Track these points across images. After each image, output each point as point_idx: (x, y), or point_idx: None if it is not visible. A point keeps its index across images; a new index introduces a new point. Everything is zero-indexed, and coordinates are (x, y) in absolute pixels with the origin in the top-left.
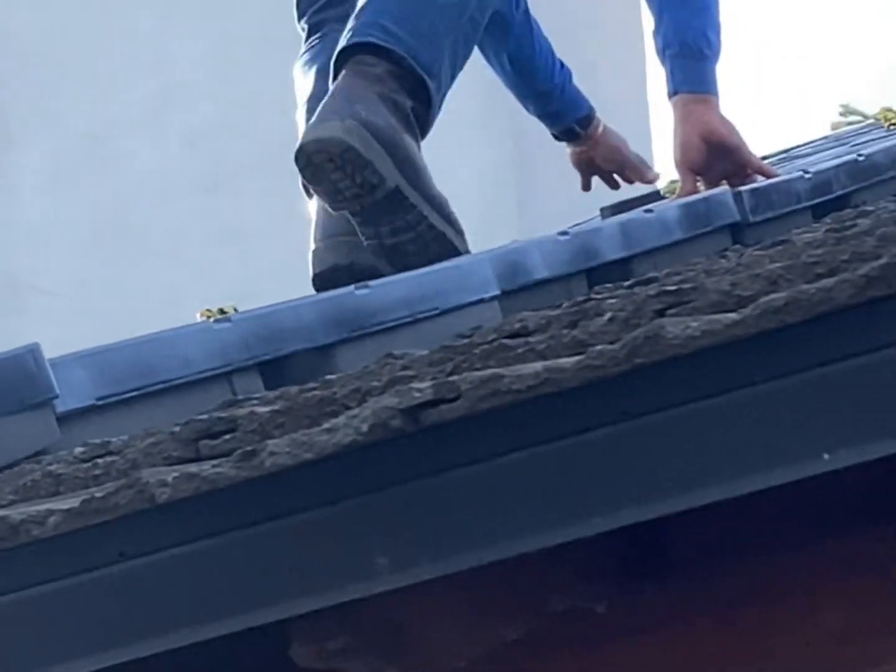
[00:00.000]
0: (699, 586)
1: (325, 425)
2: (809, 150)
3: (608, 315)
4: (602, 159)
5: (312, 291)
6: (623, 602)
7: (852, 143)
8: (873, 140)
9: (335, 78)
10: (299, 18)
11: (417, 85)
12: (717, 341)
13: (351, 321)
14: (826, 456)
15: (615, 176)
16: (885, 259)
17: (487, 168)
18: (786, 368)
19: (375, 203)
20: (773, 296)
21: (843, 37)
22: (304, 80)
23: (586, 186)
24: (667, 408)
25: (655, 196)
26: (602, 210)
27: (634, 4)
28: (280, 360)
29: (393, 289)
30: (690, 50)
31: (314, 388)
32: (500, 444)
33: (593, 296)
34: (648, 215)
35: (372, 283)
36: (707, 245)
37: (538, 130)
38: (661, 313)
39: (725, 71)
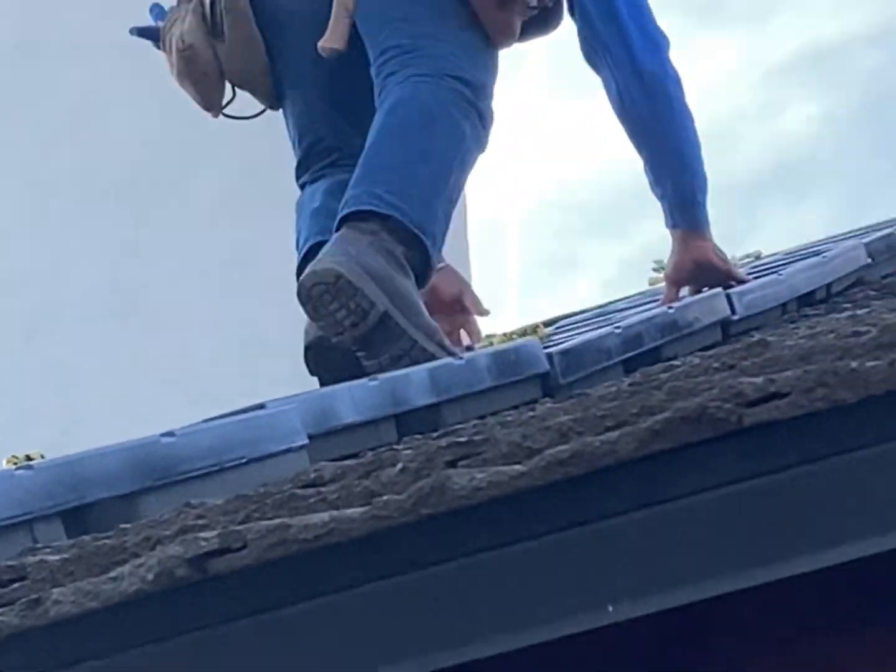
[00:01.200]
0: None
1: (112, 574)
2: (625, 304)
3: (400, 466)
4: (445, 285)
5: (127, 438)
6: None
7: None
8: (686, 294)
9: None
10: (299, 178)
11: (412, 238)
12: (502, 493)
13: (156, 469)
14: (610, 608)
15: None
16: (669, 413)
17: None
18: (571, 520)
19: (370, 330)
20: (559, 448)
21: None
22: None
23: None
24: (454, 558)
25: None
26: None
27: None
28: (83, 508)
29: (200, 437)
30: (684, 196)
31: (107, 537)
32: (288, 593)
33: (394, 446)
34: (458, 362)
35: (178, 430)
36: (517, 394)
37: None
38: (451, 464)
39: None
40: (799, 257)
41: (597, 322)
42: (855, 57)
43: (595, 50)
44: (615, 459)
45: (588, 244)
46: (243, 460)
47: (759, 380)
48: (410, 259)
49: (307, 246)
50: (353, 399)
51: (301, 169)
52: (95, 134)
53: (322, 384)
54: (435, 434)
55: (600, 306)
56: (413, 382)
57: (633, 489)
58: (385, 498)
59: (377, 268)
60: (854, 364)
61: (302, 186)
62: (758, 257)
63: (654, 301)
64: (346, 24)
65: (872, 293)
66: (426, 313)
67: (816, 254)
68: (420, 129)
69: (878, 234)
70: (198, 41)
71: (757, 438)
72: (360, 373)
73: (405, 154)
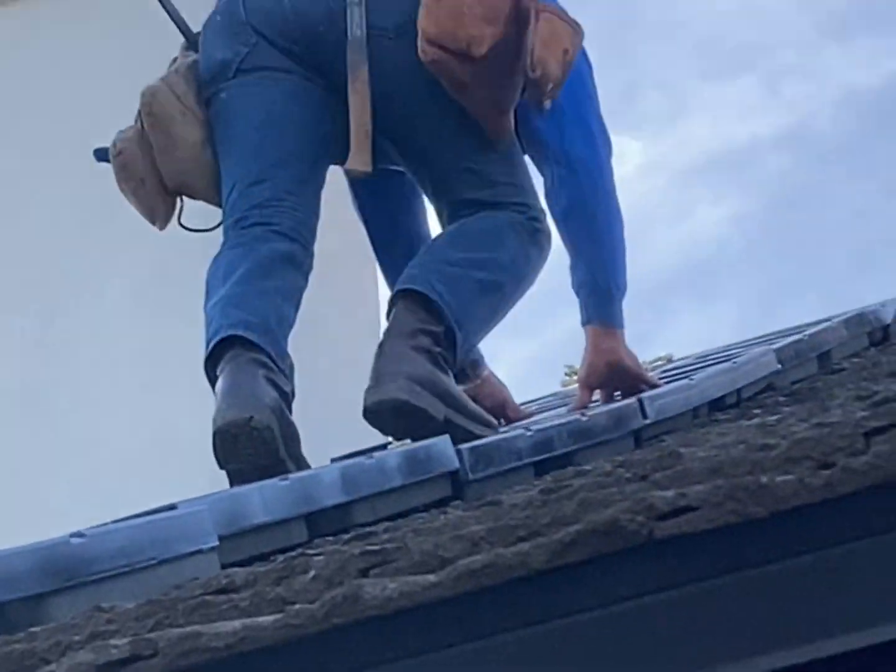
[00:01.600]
0: None
1: None
2: (537, 407)
3: (312, 573)
4: (485, 397)
5: (36, 538)
6: None
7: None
8: (597, 400)
9: (389, 311)
10: (227, 220)
11: (447, 333)
12: (414, 603)
13: (66, 570)
14: None
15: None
16: (581, 525)
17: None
18: (481, 631)
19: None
20: (471, 558)
21: None
22: (220, 280)
23: None
24: (365, 668)
25: (383, 448)
26: (332, 461)
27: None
28: None
29: (110, 538)
30: (602, 291)
31: (17, 640)
32: None
33: (305, 551)
34: (368, 461)
35: (88, 531)
36: (426, 493)
37: None
38: (364, 573)
39: None
40: (710, 362)
41: (511, 426)
42: (763, 159)
43: (535, 146)
44: (527, 570)
45: (497, 342)
46: (154, 561)
47: (670, 493)
48: (445, 356)
49: (218, 338)
50: (264, 499)
51: (233, 214)
52: (4, 229)
53: (231, 474)
54: (346, 536)
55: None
56: (324, 482)
57: (545, 600)
58: (297, 606)
59: (427, 376)
60: (764, 479)
61: (225, 231)
62: (669, 360)
63: (565, 404)
64: (369, 145)
65: (782, 399)
66: (468, 400)
67: (727, 358)
68: (487, 239)
69: (788, 339)
70: (130, 147)
71: (668, 551)
72: (269, 461)
73: (464, 258)
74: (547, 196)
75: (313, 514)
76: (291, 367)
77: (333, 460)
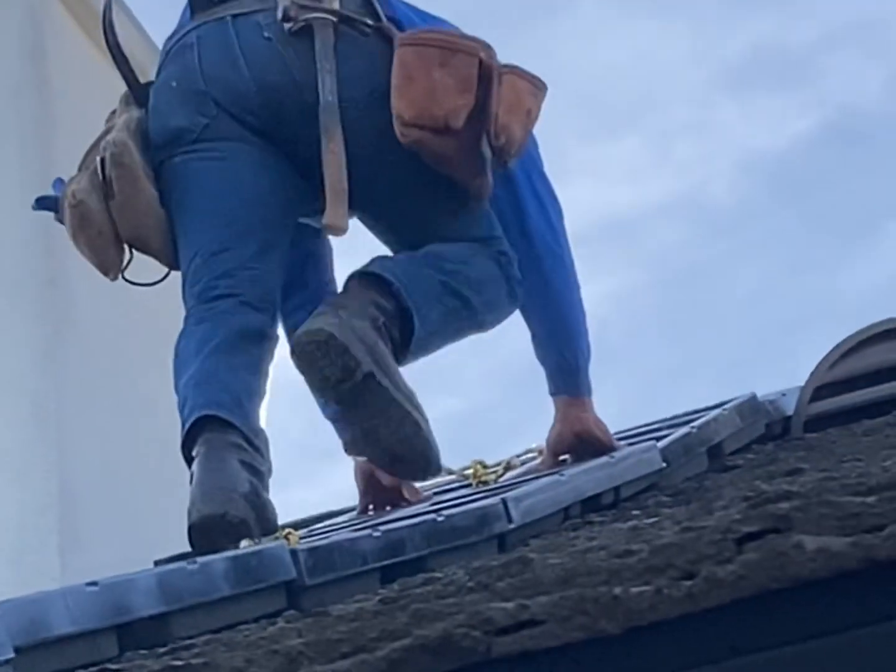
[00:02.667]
0: None
1: None
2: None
3: None
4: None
5: None
6: None
7: (433, 501)
8: (458, 498)
9: (344, 289)
10: (192, 288)
11: (402, 316)
12: None
13: None
14: None
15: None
16: (410, 640)
17: (27, 509)
18: None
19: (354, 387)
20: None
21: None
22: (191, 356)
23: (363, 509)
24: None
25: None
26: (156, 563)
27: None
28: None
29: None
30: (568, 363)
31: None
32: None
33: (108, 666)
34: (191, 567)
35: None
36: (258, 604)
37: (87, 468)
38: None
39: None
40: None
41: (358, 525)
42: (651, 229)
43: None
44: None
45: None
46: None
47: (510, 605)
48: (391, 331)
49: (193, 418)
50: (69, 606)
51: (197, 285)
52: None
53: None
54: (161, 650)
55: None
56: (139, 588)
57: None
58: None
59: (364, 331)
60: (618, 590)
61: (188, 300)
62: (541, 451)
63: (423, 504)
64: (345, 204)
65: (665, 499)
66: (403, 378)
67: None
68: (456, 255)
69: (676, 432)
70: (89, 197)
71: (508, 670)
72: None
73: (436, 265)
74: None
75: (125, 625)
76: (266, 441)
77: (157, 563)
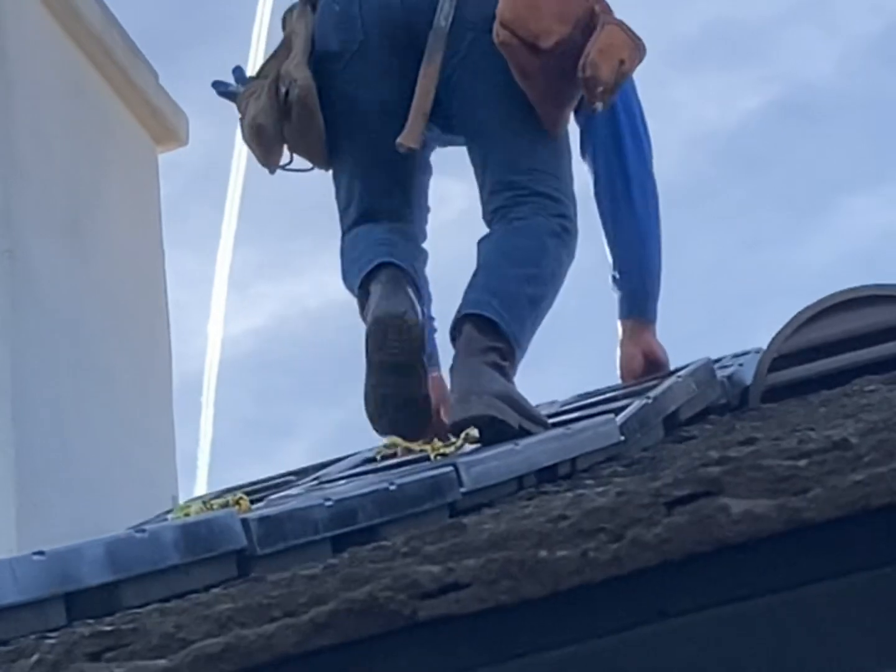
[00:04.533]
0: None
1: None
2: (338, 473)
3: (36, 657)
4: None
5: None
6: None
7: (387, 471)
8: (412, 469)
9: (455, 334)
10: (347, 206)
11: (509, 350)
12: None
13: None
14: None
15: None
16: (335, 604)
17: None
18: None
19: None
20: (210, 640)
21: None
22: (353, 249)
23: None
24: None
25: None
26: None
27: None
28: None
29: None
30: (643, 290)
31: None
32: None
33: (46, 633)
34: (140, 535)
35: None
36: (209, 572)
37: (43, 440)
38: (94, 657)
39: None
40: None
41: (309, 493)
42: None
43: (590, 146)
44: (272, 655)
45: (298, 407)
46: None
47: (436, 569)
48: (508, 361)
49: (370, 266)
50: (16, 576)
51: (349, 219)
52: None
53: (372, 364)
54: (108, 619)
55: (315, 467)
56: (86, 557)
57: None
58: None
59: (503, 390)
60: (544, 553)
61: (344, 224)
62: None
63: (374, 472)
64: (422, 125)
65: (620, 469)
66: (529, 403)
67: (563, 422)
68: (534, 255)
69: (632, 408)
70: (267, 122)
71: (433, 634)
72: (410, 358)
73: (517, 275)
74: (601, 194)
75: (73, 593)
76: (429, 297)
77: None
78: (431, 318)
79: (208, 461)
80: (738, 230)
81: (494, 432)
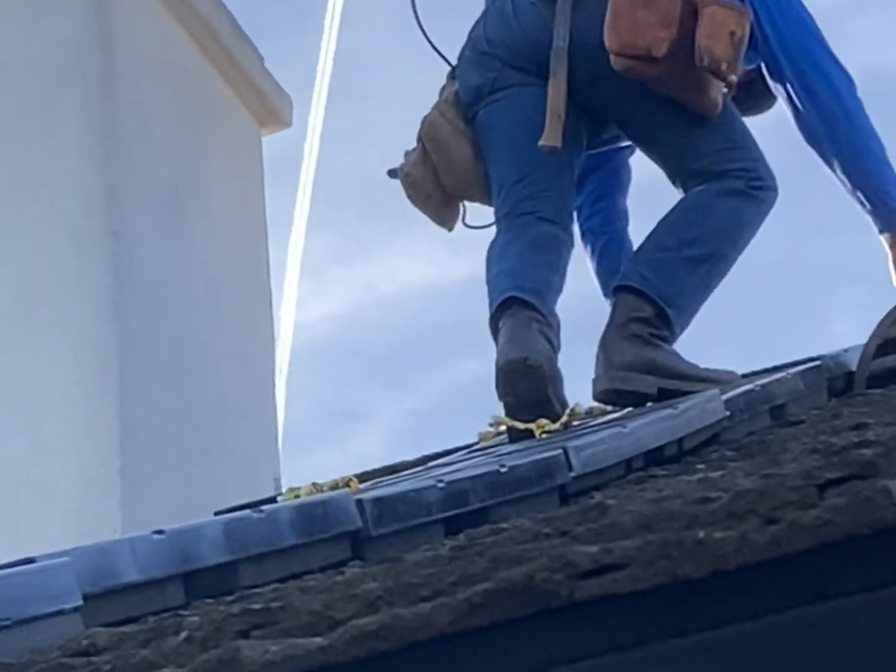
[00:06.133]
0: None
1: None
2: (449, 459)
3: (184, 634)
4: None
5: None
6: None
7: (497, 454)
8: (522, 452)
9: (614, 304)
10: (499, 213)
11: (657, 313)
12: (299, 667)
13: None
14: None
15: None
16: (490, 584)
17: (89, 461)
18: None
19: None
20: (366, 619)
21: None
22: (498, 256)
23: None
24: None
25: (272, 501)
26: (217, 514)
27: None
28: None
29: None
30: (885, 206)
31: None
32: None
33: (180, 611)
34: (257, 516)
35: None
36: (323, 553)
37: (148, 421)
38: (243, 634)
39: None
40: (648, 408)
41: (419, 477)
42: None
43: (786, 83)
44: (428, 634)
45: (372, 393)
46: (8, 622)
47: (593, 549)
48: (658, 331)
49: (500, 300)
50: (136, 554)
51: (504, 209)
52: None
53: (507, 406)
54: (230, 598)
55: (419, 460)
56: (205, 537)
57: (449, 668)
58: (165, 671)
59: (633, 359)
60: (701, 534)
61: (498, 222)
62: (590, 413)
63: (484, 456)
64: (560, 125)
65: (729, 453)
66: (683, 363)
67: (669, 404)
68: (694, 216)
69: (738, 389)
70: (415, 169)
71: (590, 614)
72: (539, 396)
73: (671, 239)
74: (798, 125)
75: (192, 573)
76: (558, 324)
77: (217, 513)
78: None
79: (281, 446)
80: (808, 219)
81: (627, 401)
